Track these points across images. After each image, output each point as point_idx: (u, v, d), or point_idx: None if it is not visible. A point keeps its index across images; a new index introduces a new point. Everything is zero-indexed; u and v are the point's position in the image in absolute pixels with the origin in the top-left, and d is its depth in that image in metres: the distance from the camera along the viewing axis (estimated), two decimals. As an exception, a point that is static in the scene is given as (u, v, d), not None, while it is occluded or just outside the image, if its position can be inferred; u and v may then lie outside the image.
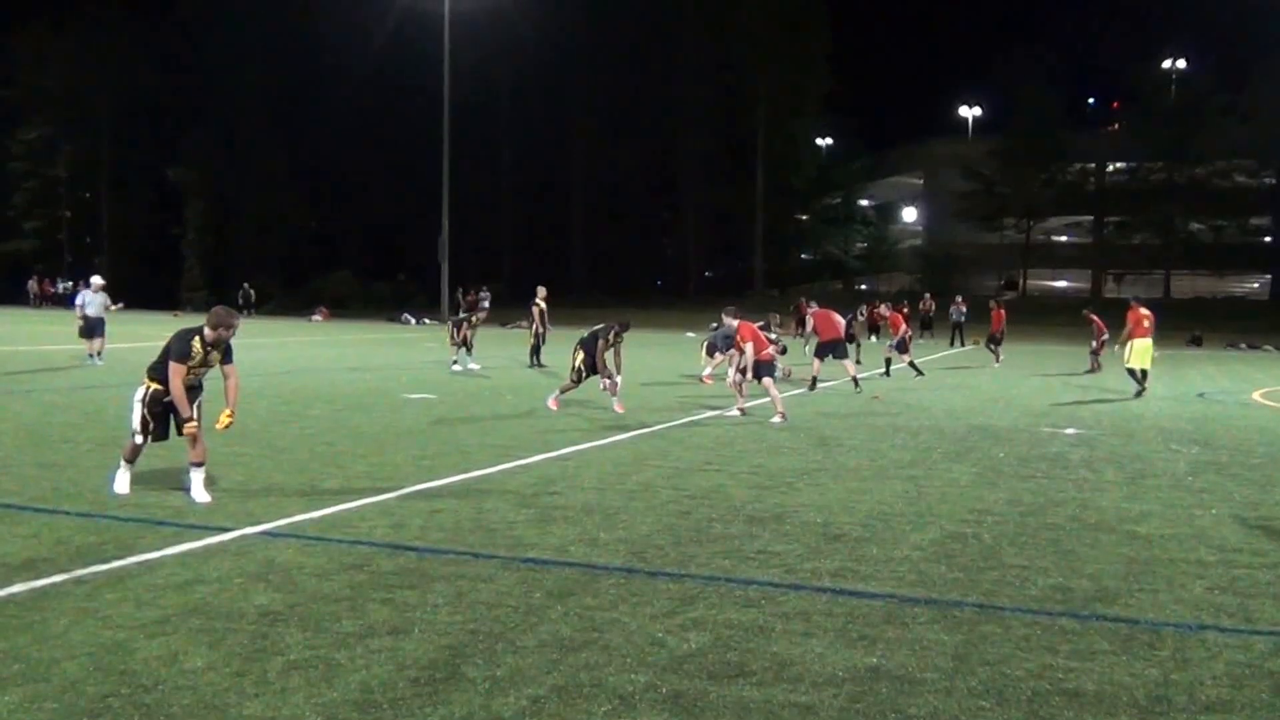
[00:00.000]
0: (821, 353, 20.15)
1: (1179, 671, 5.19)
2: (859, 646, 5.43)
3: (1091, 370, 25.95)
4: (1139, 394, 19.84)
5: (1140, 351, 20.17)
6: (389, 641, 5.32)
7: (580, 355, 15.58)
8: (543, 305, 24.86)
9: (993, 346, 29.88)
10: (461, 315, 24.51)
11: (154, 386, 8.62)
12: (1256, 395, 21.57)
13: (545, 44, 73.83)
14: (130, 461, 8.78)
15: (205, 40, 74.74)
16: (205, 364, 8.59)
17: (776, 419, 14.65)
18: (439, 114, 56.39)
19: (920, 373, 23.58)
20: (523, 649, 5.27)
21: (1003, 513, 8.86)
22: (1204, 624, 5.95)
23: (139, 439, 8.67)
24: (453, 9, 55.68)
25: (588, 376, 15.60)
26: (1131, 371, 20.28)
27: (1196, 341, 43.81)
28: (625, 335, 16.00)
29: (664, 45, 76.58)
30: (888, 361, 24.36)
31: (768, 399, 15.41)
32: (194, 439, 8.42)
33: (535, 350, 24.55)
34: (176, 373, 8.40)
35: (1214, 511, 9.13)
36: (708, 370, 21.51)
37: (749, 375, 15.14)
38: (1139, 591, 6.57)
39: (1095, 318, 26.80)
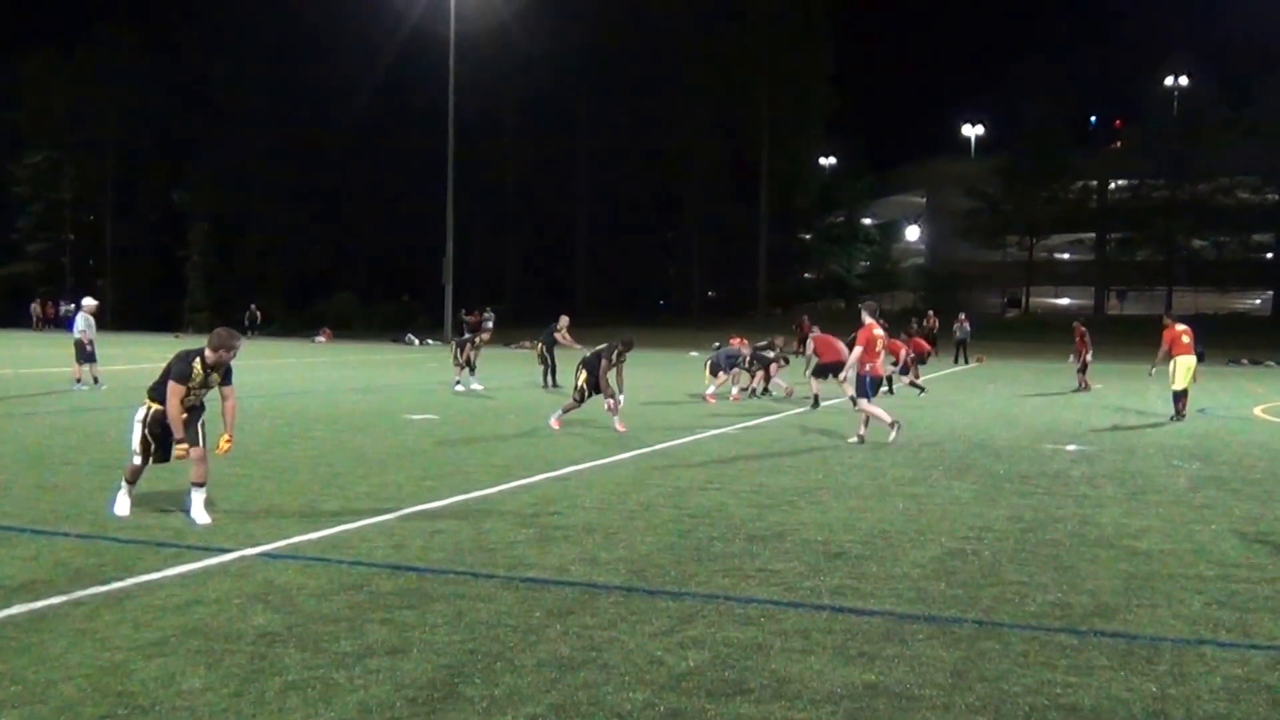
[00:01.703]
0: (821, 373, 20.17)
1: (1176, 686, 5.19)
2: (858, 663, 5.43)
3: (1080, 389, 25.69)
4: (1175, 418, 18.75)
5: (1185, 370, 18.90)
6: (387, 661, 5.32)
7: (583, 375, 15.55)
8: (556, 332, 24.81)
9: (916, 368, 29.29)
10: (465, 336, 24.58)
11: (154, 407, 8.66)
12: (1258, 410, 21.58)
13: (549, 66, 74.20)
14: (131, 483, 8.80)
15: (210, 64, 75.30)
16: (205, 385, 8.62)
17: (853, 439, 14.43)
18: (444, 135, 56.64)
19: (923, 389, 23.58)
20: (521, 668, 5.27)
21: (1003, 529, 8.86)
22: (1202, 638, 5.95)
23: (138, 460, 8.71)
24: (458, 31, 56.03)
25: (591, 396, 15.59)
26: (1177, 395, 19.01)
27: (1199, 357, 43.68)
28: (628, 354, 15.98)
29: (668, 66, 76.86)
30: (889, 380, 24.34)
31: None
32: (198, 460, 8.49)
33: (551, 371, 24.48)
34: (175, 393, 8.45)
35: (1214, 527, 9.13)
36: (710, 389, 21.55)
37: (848, 389, 14.60)
38: (1138, 607, 6.57)
39: (1084, 332, 26.34)
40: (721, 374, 21.90)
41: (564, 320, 25.25)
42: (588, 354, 15.94)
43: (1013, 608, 6.51)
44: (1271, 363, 43.65)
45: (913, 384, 23.84)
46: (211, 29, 75.15)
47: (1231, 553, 8.14)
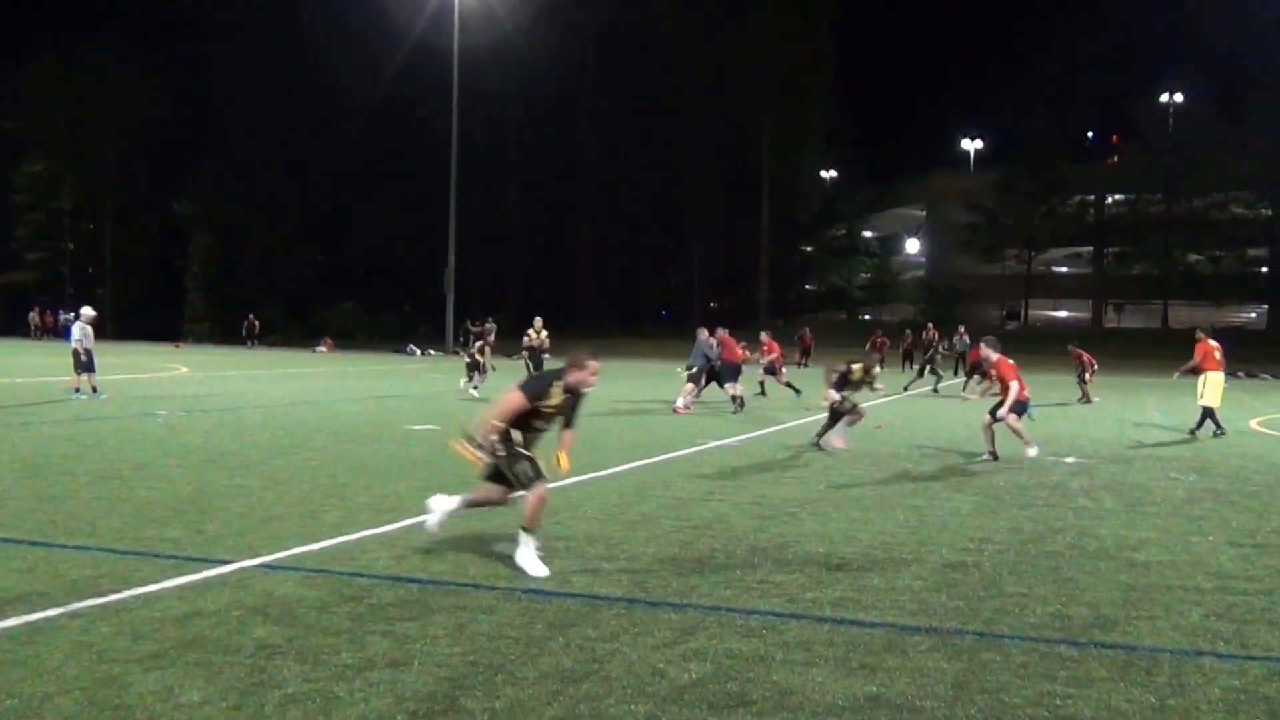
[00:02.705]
0: (725, 377, 21.48)
1: (1175, 697, 5.20)
2: (859, 675, 5.43)
3: (1082, 399, 25.88)
4: (1217, 434, 18.38)
5: (1215, 386, 18.63)
6: (388, 674, 5.32)
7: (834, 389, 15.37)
8: (528, 337, 25.02)
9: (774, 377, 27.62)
10: (477, 346, 25.01)
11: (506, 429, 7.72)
12: (1254, 423, 21.57)
13: (552, 78, 74.38)
14: (530, 530, 7.60)
15: (212, 73, 75.28)
16: (556, 414, 7.79)
17: (1033, 451, 14.40)
18: (446, 146, 56.71)
19: (798, 392, 24.52)
20: (523, 680, 5.26)
21: (1003, 541, 8.86)
22: (1200, 650, 5.97)
23: (531, 488, 7.66)
24: (461, 43, 56.07)
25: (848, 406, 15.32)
26: (1208, 410, 18.66)
27: (1195, 370, 43.67)
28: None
29: (670, 78, 77.01)
30: (760, 383, 25.44)
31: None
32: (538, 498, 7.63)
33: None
34: (513, 402, 7.61)
35: (1211, 538, 9.14)
36: (680, 402, 21.06)
37: (1004, 412, 14.37)
38: (1137, 618, 6.58)
39: (1081, 352, 26.60)
40: (692, 385, 21.56)
41: (536, 323, 25.52)
42: (837, 371, 15.50)
43: (1013, 619, 6.52)
44: (1267, 376, 43.63)
45: (788, 385, 24.93)
46: (213, 38, 75.24)
47: (1229, 564, 8.14)
